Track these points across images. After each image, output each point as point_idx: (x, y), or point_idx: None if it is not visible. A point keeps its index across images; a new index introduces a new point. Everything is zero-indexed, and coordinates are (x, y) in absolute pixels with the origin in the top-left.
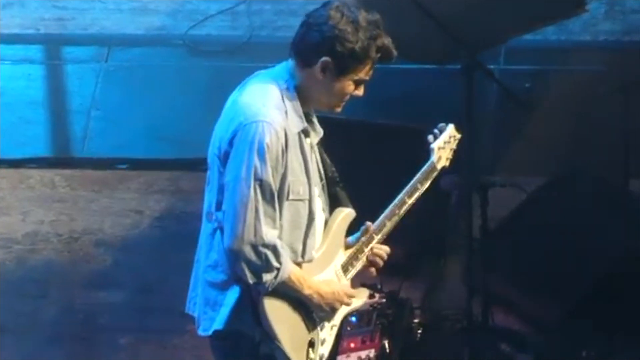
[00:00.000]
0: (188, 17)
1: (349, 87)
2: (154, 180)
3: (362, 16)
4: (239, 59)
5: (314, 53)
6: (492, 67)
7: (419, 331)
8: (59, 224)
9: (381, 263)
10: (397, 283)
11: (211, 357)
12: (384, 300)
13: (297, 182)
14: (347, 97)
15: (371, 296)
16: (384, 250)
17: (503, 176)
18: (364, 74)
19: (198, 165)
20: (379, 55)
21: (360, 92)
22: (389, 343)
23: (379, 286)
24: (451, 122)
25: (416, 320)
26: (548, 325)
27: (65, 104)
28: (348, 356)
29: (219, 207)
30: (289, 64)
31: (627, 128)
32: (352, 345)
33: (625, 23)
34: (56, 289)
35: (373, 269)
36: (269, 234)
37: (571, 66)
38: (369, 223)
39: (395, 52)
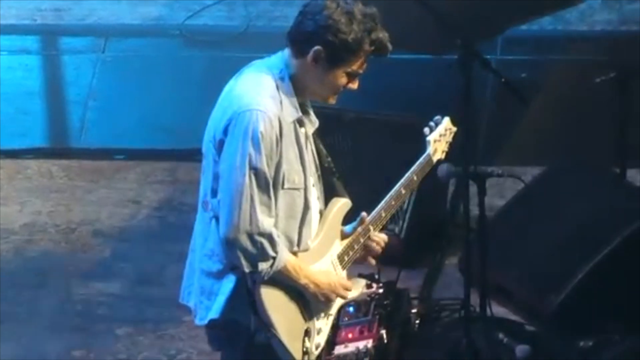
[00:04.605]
0: (185, 7)
1: (342, 79)
2: (151, 171)
3: (358, 8)
4: (236, 49)
5: (307, 42)
6: (488, 57)
7: (417, 321)
8: (57, 214)
9: (377, 249)
10: (394, 273)
11: (208, 347)
12: (381, 290)
13: (292, 171)
14: (340, 89)
15: (369, 286)
16: (381, 238)
17: (500, 166)
18: (357, 66)
19: (196, 155)
20: (372, 48)
21: (354, 85)
22: (386, 333)
23: (376, 276)
24: (448, 111)
25: (414, 311)
26: (546, 315)
27: (62, 95)
28: (346, 346)
29: (214, 194)
30: (285, 53)
31: (624, 118)
32: (350, 335)
33: (622, 13)
34: (54, 280)
35: (372, 259)
36: (265, 222)
37: (568, 56)
38: (364, 214)
39: (390, 47)
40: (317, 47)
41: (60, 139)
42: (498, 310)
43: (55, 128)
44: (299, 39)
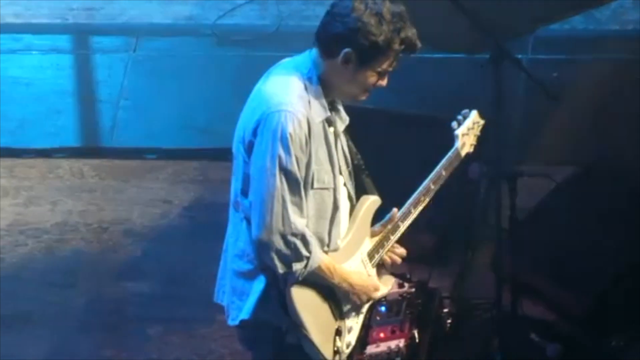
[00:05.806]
0: (216, 6)
1: (372, 78)
2: (182, 170)
3: (387, 8)
4: (268, 48)
5: (337, 44)
6: (520, 56)
7: (449, 321)
8: (88, 213)
9: (390, 264)
10: (426, 273)
11: (240, 347)
12: (413, 290)
13: (321, 170)
14: (370, 87)
15: (400, 286)
16: (399, 254)
17: (532, 166)
18: (387, 65)
19: (227, 154)
20: (402, 47)
21: (383, 82)
22: (418, 333)
23: (408, 276)
24: (479, 110)
25: (445, 310)
26: (577, 314)
27: (93, 94)
28: (378, 346)
29: (244, 194)
30: (313, 53)
31: None
32: (382, 335)
33: None
34: (85, 279)
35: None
36: (297, 222)
37: (599, 55)
38: (395, 210)
39: (419, 44)
40: (347, 50)
41: (91, 139)
42: (529, 309)
43: (87, 127)
44: (328, 40)
